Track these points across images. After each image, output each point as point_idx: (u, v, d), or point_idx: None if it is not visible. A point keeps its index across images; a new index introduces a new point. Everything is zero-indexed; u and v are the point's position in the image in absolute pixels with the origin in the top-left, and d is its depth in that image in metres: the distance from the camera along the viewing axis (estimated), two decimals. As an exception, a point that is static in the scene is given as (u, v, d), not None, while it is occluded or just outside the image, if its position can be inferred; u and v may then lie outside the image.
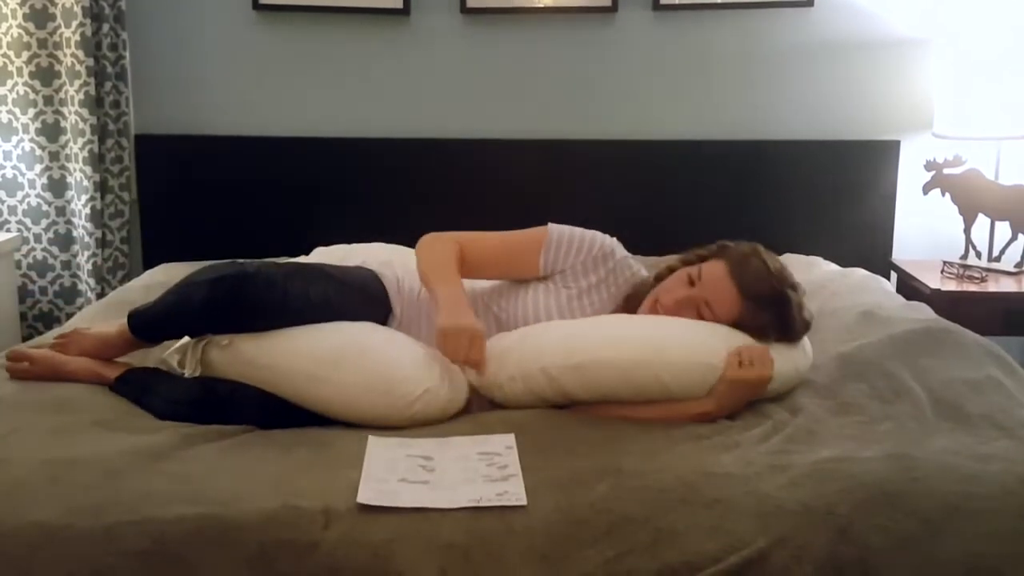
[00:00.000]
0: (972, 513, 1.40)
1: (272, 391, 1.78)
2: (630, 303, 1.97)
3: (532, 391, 1.77)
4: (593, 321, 1.87)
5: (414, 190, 3.06)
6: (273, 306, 1.80)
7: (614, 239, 2.03)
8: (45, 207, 3.02)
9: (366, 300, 1.94)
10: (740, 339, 1.81)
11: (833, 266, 2.86)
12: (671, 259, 2.04)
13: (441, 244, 1.98)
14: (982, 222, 2.97)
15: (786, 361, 1.84)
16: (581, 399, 1.78)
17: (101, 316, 2.31)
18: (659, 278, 1.98)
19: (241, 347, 1.81)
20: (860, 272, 2.76)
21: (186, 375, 1.91)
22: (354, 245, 2.65)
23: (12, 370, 1.95)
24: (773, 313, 1.84)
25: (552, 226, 2.00)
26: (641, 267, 2.07)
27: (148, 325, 1.91)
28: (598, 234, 2.02)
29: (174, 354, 1.98)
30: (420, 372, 1.77)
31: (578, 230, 2.00)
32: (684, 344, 1.76)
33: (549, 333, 1.83)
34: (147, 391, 1.87)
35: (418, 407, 1.74)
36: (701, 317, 1.86)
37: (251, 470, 1.54)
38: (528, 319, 1.93)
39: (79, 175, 2.95)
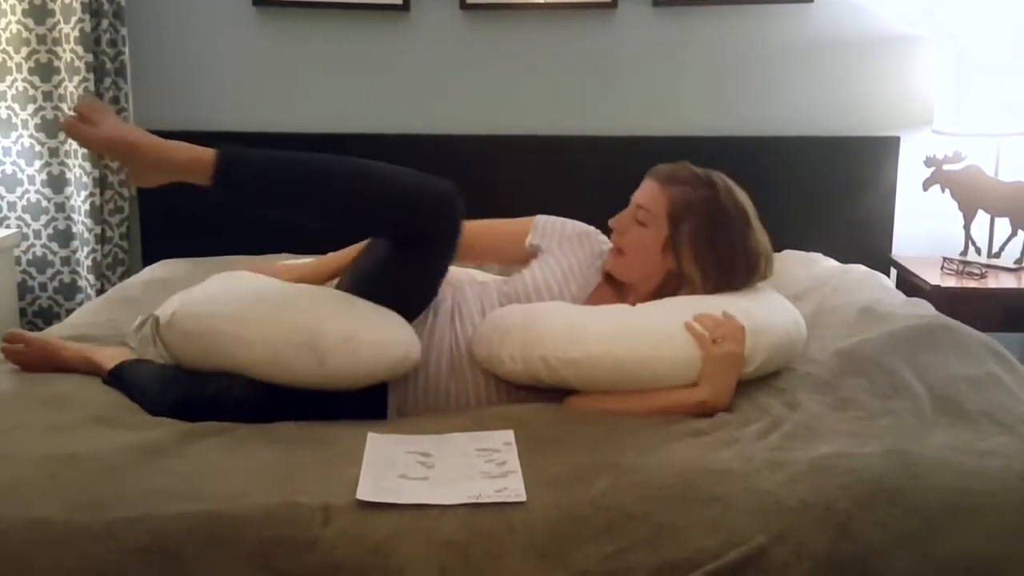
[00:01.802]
0: (971, 509, 1.40)
1: (220, 363, 1.77)
2: (608, 277, 2.01)
3: (531, 374, 1.80)
4: (595, 312, 1.87)
5: (414, 186, 3.06)
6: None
7: (597, 230, 2.09)
8: (44, 203, 3.02)
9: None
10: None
11: (833, 262, 2.86)
12: None
13: None
14: (982, 218, 2.97)
15: (775, 327, 1.85)
16: (578, 389, 1.81)
17: (102, 312, 2.31)
18: None
19: (180, 319, 1.81)
20: (860, 268, 2.75)
21: (152, 353, 1.93)
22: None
23: (7, 351, 1.97)
24: (700, 196, 1.91)
25: (540, 215, 2.09)
26: None
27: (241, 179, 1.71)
28: (580, 222, 2.09)
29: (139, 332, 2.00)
30: (344, 318, 1.75)
31: (564, 219, 2.09)
32: (682, 339, 1.77)
33: (551, 320, 1.83)
34: (136, 390, 1.87)
35: (340, 357, 1.71)
36: (643, 225, 1.92)
37: (250, 467, 1.54)
38: (530, 293, 1.96)
39: (78, 171, 2.95)
